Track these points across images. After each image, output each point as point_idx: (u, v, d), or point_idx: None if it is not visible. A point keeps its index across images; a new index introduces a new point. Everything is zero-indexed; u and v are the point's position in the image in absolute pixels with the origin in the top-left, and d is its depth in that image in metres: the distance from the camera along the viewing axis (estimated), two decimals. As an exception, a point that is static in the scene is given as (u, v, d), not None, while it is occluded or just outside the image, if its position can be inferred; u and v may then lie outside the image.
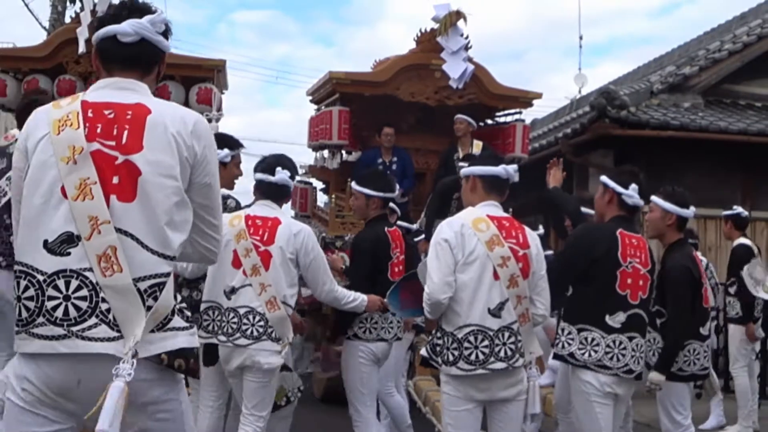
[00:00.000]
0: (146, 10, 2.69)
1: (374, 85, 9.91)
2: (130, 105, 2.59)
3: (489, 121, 11.00)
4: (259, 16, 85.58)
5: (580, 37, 19.94)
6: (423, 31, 10.01)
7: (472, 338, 4.13)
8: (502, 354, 4.15)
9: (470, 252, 4.16)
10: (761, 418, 8.26)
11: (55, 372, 2.44)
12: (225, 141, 5.16)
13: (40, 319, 2.43)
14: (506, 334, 4.17)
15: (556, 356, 4.71)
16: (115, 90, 2.64)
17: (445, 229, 4.25)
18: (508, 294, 4.18)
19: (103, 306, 2.43)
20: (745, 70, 13.13)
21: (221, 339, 4.73)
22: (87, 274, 2.44)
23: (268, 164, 4.97)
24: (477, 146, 9.39)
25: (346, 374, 5.40)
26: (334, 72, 9.79)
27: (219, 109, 9.28)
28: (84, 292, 2.43)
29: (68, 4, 17.28)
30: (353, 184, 5.74)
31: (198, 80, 9.44)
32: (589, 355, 4.49)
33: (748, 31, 13.40)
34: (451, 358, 4.17)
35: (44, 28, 17.67)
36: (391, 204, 6.20)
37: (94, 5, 8.74)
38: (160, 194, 2.52)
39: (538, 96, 10.47)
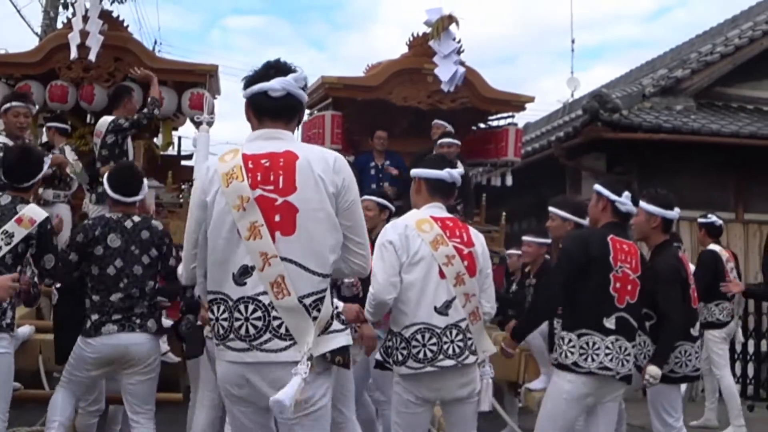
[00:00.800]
0: (289, 69, 3.21)
1: (367, 90, 9.91)
2: (281, 153, 3.13)
3: (482, 125, 11.01)
4: (253, 21, 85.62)
5: (573, 41, 20.15)
6: (415, 35, 10.02)
7: (419, 336, 4.17)
8: (450, 351, 4.18)
9: (415, 252, 4.20)
10: (752, 420, 8.30)
11: (236, 373, 3.10)
12: None
13: (231, 335, 3.07)
14: (454, 332, 4.20)
15: (559, 366, 4.67)
16: (266, 140, 3.19)
17: (390, 231, 4.30)
18: (455, 292, 4.22)
19: (275, 323, 3.02)
20: (737, 72, 13.15)
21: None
22: (261, 297, 3.03)
23: None
24: None
25: None
26: (327, 77, 9.81)
27: (211, 114, 9.26)
28: (258, 313, 3.03)
29: (60, 9, 17.27)
30: None
31: (190, 85, 9.45)
32: (592, 360, 4.51)
33: (739, 34, 13.44)
34: (400, 357, 4.21)
35: (36, 33, 17.67)
36: (383, 201, 6.19)
37: (86, 11, 8.76)
38: (315, 224, 3.08)
39: (531, 100, 10.50)
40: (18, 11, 18.59)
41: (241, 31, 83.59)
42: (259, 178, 3.07)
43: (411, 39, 10.03)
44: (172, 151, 11.10)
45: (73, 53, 8.65)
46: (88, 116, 9.75)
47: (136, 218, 5.19)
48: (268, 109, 3.20)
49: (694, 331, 5.26)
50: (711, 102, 13.15)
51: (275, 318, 3.01)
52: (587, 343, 4.53)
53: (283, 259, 3.01)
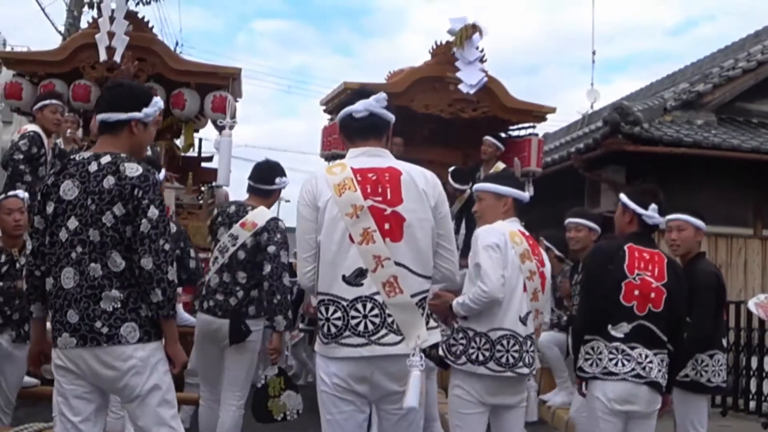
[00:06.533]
0: (371, 93, 3.67)
1: (388, 97, 9.88)
2: (385, 168, 3.52)
3: (503, 135, 10.99)
4: (278, 25, 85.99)
5: (593, 53, 20.09)
6: (439, 43, 10.01)
7: (505, 342, 4.27)
8: (527, 360, 4.31)
9: (509, 261, 4.32)
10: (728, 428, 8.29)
11: (357, 368, 3.39)
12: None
13: (347, 333, 3.37)
14: (529, 342, 4.34)
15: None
16: (368, 157, 3.56)
17: (493, 234, 4.35)
18: (530, 306, 4.36)
19: (389, 319, 3.36)
20: (759, 88, 13.11)
21: None
22: (376, 297, 3.36)
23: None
24: (498, 168, 9.37)
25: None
26: (349, 82, 9.79)
27: (233, 117, 9.31)
28: (376, 311, 3.36)
29: (85, 9, 17.36)
30: None
31: (213, 88, 9.47)
32: (596, 365, 4.39)
33: (762, 50, 13.39)
34: (481, 357, 4.27)
35: (59, 32, 17.75)
36: None
37: (112, 12, 8.80)
38: (420, 232, 3.45)
39: (552, 110, 10.46)
40: (42, 9, 18.60)
41: (267, 35, 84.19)
42: (368, 190, 3.43)
43: (434, 47, 10.02)
44: (193, 152, 11.14)
45: (103, 55, 8.67)
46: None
47: (106, 158, 3.40)
48: (354, 129, 3.62)
49: (724, 342, 5.22)
50: (732, 117, 13.11)
51: (389, 315, 3.34)
52: (593, 348, 4.42)
53: (395, 263, 3.36)
